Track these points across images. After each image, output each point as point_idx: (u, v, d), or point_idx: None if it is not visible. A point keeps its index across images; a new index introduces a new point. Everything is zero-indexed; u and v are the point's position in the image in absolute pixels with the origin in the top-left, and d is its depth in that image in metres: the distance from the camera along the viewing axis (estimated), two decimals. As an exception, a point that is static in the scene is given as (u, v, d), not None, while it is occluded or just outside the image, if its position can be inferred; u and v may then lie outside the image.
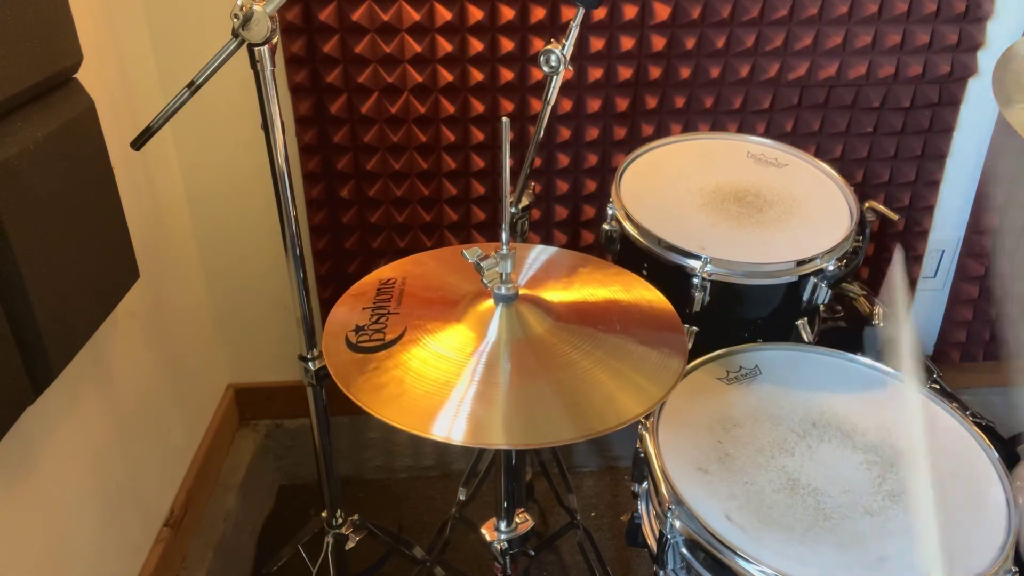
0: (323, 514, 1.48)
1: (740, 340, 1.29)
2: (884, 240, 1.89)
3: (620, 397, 0.91)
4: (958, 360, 2.04)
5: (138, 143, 1.08)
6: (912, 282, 1.94)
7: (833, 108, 1.73)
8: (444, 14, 1.56)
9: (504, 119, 0.92)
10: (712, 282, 1.26)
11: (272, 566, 1.63)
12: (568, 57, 1.23)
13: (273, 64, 1.08)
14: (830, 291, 1.29)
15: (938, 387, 1.34)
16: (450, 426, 0.86)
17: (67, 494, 1.24)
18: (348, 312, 1.04)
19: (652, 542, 1.11)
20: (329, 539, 1.48)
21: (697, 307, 1.27)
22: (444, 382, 0.91)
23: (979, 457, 1.08)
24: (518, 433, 0.87)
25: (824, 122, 1.74)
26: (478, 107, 1.66)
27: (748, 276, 1.26)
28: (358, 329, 1.00)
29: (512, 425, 0.87)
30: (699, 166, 1.49)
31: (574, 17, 1.22)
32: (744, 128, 1.73)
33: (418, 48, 1.59)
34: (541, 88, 1.64)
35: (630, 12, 1.59)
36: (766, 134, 1.72)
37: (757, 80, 1.68)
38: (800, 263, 1.26)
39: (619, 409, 0.89)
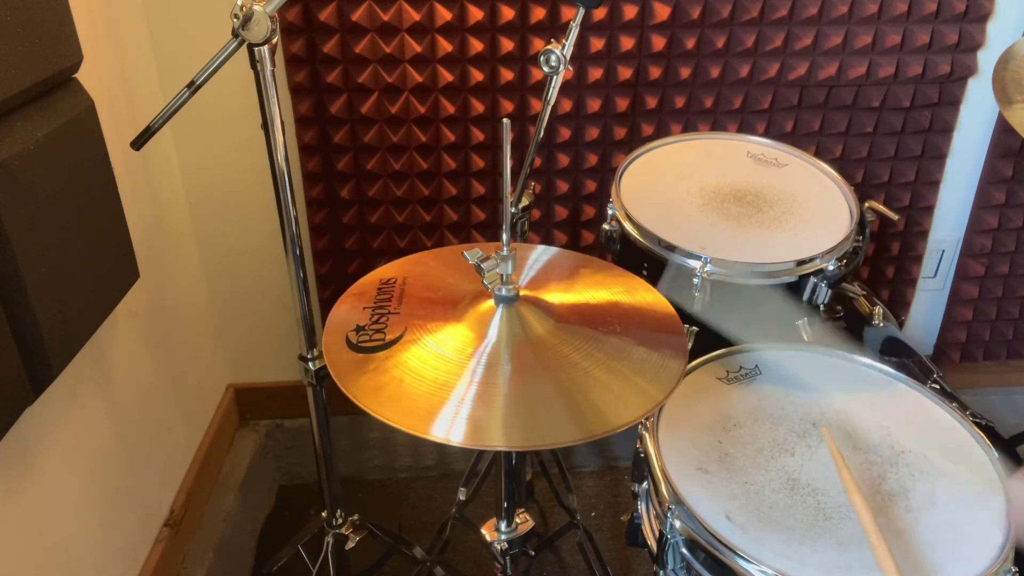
0: (323, 514, 1.48)
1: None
2: (884, 240, 1.89)
3: (620, 398, 0.91)
4: (958, 360, 2.04)
5: (138, 143, 1.08)
6: (912, 282, 1.95)
7: (833, 108, 1.73)
8: (444, 14, 1.55)
9: (504, 119, 0.92)
10: (712, 282, 1.25)
11: (272, 566, 1.63)
12: (568, 57, 1.23)
13: (273, 64, 1.08)
14: (830, 291, 1.29)
15: (938, 387, 1.34)
16: (449, 427, 0.86)
17: (67, 494, 1.24)
18: (348, 312, 1.04)
19: (652, 542, 1.11)
20: (329, 539, 1.48)
21: (697, 307, 1.27)
22: (444, 382, 0.91)
23: (979, 457, 1.08)
24: (518, 434, 0.87)
25: (824, 122, 1.74)
26: (478, 107, 1.66)
27: (748, 276, 1.26)
28: (358, 329, 1.00)
29: (512, 426, 0.87)
30: (699, 166, 1.49)
31: (574, 17, 1.21)
32: (744, 128, 1.73)
33: (418, 48, 1.59)
34: (541, 88, 1.64)
35: (630, 12, 1.59)
36: (766, 134, 1.72)
37: (757, 80, 1.68)
38: (800, 263, 1.26)
39: (619, 411, 0.89)
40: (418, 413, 0.88)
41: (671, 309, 1.06)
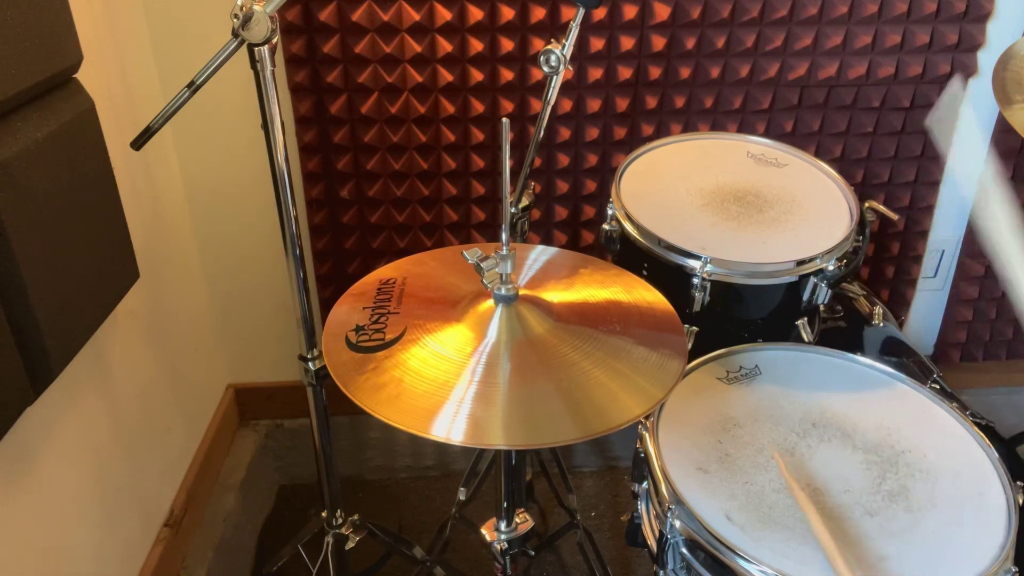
0: (323, 514, 1.48)
1: (740, 340, 1.29)
2: (884, 240, 1.89)
3: (620, 398, 0.91)
4: (958, 360, 2.04)
5: (138, 143, 1.08)
6: (912, 282, 1.95)
7: (833, 108, 1.73)
8: (444, 14, 1.56)
9: (504, 119, 0.92)
10: (712, 282, 1.26)
11: (272, 566, 1.63)
12: (568, 57, 1.23)
13: (273, 64, 1.08)
14: (830, 291, 1.29)
15: (938, 387, 1.34)
16: (449, 426, 0.86)
17: (67, 494, 1.24)
18: (348, 312, 1.04)
19: (652, 542, 1.11)
20: (329, 539, 1.48)
21: (697, 307, 1.27)
22: (444, 382, 0.91)
23: (979, 457, 1.08)
24: (518, 433, 0.87)
25: (824, 122, 1.74)
26: (478, 107, 1.66)
27: (748, 276, 1.26)
28: (358, 329, 1.00)
29: (512, 425, 0.87)
30: (699, 166, 1.49)
31: (574, 17, 1.22)
32: (744, 128, 1.73)
33: (418, 48, 1.59)
34: (541, 88, 1.64)
35: (630, 12, 1.59)
36: (766, 134, 1.72)
37: (757, 80, 1.68)
38: (800, 263, 1.26)
39: (619, 410, 0.89)
40: (418, 412, 0.88)
41: (670, 308, 1.06)
